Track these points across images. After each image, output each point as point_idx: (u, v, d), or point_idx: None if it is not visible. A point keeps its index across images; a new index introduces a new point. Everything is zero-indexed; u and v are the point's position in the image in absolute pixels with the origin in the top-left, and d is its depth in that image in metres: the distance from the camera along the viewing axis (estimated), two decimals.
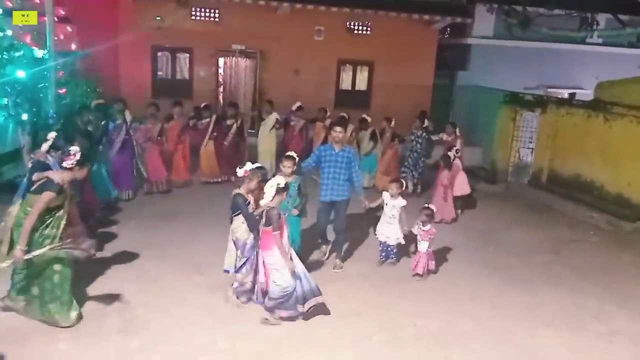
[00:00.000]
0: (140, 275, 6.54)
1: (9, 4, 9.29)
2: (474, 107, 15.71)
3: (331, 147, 7.15)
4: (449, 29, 16.87)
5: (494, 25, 16.32)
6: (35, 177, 5.14)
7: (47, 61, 9.38)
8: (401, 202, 7.29)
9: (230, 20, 14.32)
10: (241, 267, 5.88)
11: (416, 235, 7.12)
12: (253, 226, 5.76)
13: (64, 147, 5.83)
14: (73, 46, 11.05)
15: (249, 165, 5.97)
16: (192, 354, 5.00)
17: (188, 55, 14.71)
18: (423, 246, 7.01)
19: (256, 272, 5.86)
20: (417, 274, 7.02)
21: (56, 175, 5.06)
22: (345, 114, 11.81)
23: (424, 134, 11.65)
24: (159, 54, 14.62)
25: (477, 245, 8.61)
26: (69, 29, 10.99)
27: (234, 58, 15.00)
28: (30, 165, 5.88)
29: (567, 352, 5.57)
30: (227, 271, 6.10)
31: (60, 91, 9.93)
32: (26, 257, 4.97)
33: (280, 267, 5.52)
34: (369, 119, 12.03)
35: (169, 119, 10.48)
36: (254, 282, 5.92)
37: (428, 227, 7.00)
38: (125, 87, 13.70)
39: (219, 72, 14.98)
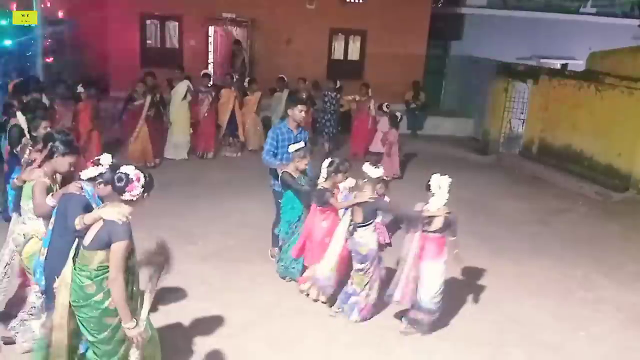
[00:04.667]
0: None
1: None
2: (466, 77, 15.66)
3: (288, 129, 6.18)
4: None
5: None
6: (78, 223, 3.60)
7: (34, 30, 9.24)
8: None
9: None
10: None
11: None
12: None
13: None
14: (60, 14, 10.87)
15: (297, 145, 5.76)
16: (185, 321, 5.06)
17: (177, 23, 14.48)
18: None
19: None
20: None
21: (113, 214, 3.49)
22: (283, 75, 11.77)
23: (337, 95, 11.73)
24: (148, 21, 14.38)
25: (467, 215, 8.60)
26: None
27: (224, 27, 14.80)
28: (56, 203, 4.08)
29: (553, 320, 5.69)
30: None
31: (48, 60, 9.81)
32: (143, 326, 3.61)
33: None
34: (286, 79, 11.71)
35: (77, 99, 8.75)
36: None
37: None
38: (114, 56, 13.53)
39: (209, 41, 14.79)
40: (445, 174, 4.98)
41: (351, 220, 5.28)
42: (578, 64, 14.99)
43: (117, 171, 3.56)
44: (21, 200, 4.34)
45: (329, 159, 5.68)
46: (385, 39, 15.03)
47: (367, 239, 5.20)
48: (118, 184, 3.52)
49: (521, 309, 5.88)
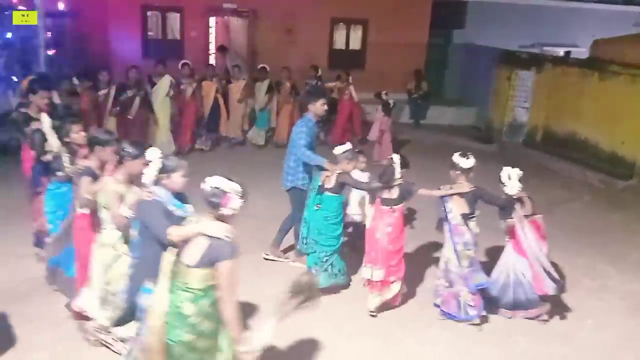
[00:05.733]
0: None
1: None
2: (469, 66, 15.59)
3: (314, 123, 6.14)
4: None
5: None
6: (172, 235, 3.35)
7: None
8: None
9: None
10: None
11: None
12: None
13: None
14: (61, 6, 10.82)
15: (344, 147, 5.62)
16: None
17: (178, 14, 14.40)
18: None
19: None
20: None
21: (219, 230, 3.25)
22: (265, 65, 11.58)
23: (319, 83, 11.72)
24: (149, 13, 14.28)
25: None
26: None
27: (225, 17, 14.72)
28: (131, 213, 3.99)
29: (560, 307, 5.69)
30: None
31: (50, 52, 9.78)
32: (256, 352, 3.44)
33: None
34: (268, 68, 11.51)
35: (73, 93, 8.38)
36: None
37: None
38: (116, 48, 13.47)
39: (210, 32, 14.71)
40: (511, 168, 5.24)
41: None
42: (581, 52, 14.90)
43: (210, 187, 3.27)
44: (100, 210, 4.21)
45: (347, 144, 5.63)
46: (386, 28, 14.93)
47: (478, 229, 5.28)
48: (212, 200, 3.27)
49: None
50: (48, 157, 5.23)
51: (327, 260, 5.62)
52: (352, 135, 11.68)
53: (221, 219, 3.31)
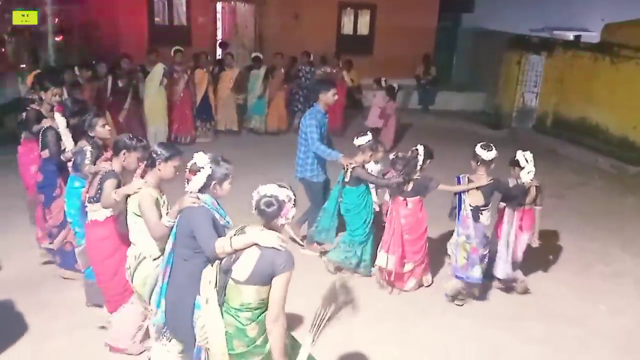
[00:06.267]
0: None
1: None
2: (478, 50, 15.45)
3: (323, 113, 6.03)
4: None
5: None
6: (220, 248, 3.06)
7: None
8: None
9: None
10: None
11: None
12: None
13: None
14: None
15: (365, 137, 5.52)
16: None
17: (185, 0, 14.30)
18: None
19: None
20: None
21: (273, 240, 2.97)
22: (259, 54, 11.53)
23: (312, 69, 11.64)
24: None
25: None
26: None
27: (232, 3, 14.61)
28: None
29: (574, 292, 5.70)
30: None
31: (58, 38, 9.74)
32: None
33: None
34: (262, 56, 11.47)
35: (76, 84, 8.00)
36: None
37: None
38: (122, 34, 13.41)
39: (217, 17, 14.62)
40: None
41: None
42: (591, 36, 14.77)
43: (263, 196, 3.00)
44: (127, 216, 3.82)
45: (368, 134, 5.56)
46: (395, 12, 14.79)
47: (490, 220, 5.25)
48: (268, 210, 2.98)
49: (540, 283, 5.88)
50: (68, 155, 5.01)
51: (355, 251, 5.64)
52: (345, 121, 11.64)
53: (272, 227, 3.03)
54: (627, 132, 10.45)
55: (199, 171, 3.32)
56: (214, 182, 3.34)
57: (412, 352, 4.64)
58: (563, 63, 12.04)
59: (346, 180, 5.56)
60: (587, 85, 11.33)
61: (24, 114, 5.86)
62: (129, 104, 9.10)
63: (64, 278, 5.35)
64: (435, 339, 4.85)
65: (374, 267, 5.68)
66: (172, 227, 3.44)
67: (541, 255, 6.46)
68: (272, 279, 2.91)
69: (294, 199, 3.04)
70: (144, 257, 3.75)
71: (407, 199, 5.33)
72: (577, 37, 13.08)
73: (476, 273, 5.20)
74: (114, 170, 4.08)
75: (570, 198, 8.57)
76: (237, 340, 2.99)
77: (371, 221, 5.66)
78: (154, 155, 3.67)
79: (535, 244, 5.53)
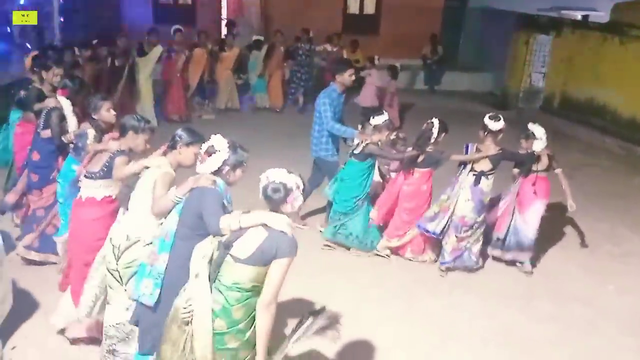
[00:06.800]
0: None
1: None
2: (485, 30, 15.29)
3: (338, 93, 5.96)
4: None
5: None
6: (226, 227, 2.97)
7: None
8: None
9: None
10: None
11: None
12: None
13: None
14: None
15: (382, 117, 5.49)
16: None
17: None
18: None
19: None
20: None
21: (282, 222, 2.91)
22: (261, 37, 11.56)
23: (312, 47, 11.57)
24: None
25: None
26: None
27: None
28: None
29: (584, 272, 5.72)
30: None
31: (61, 19, 9.68)
32: None
33: None
34: (263, 39, 11.53)
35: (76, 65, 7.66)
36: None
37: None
38: (127, 13, 13.33)
39: None
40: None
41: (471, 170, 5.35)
42: (599, 15, 14.54)
43: (272, 182, 2.93)
44: (135, 191, 3.65)
45: (384, 113, 5.55)
46: None
47: (490, 188, 5.40)
48: (275, 196, 2.92)
49: (549, 263, 5.91)
50: (70, 137, 4.86)
51: (339, 219, 5.72)
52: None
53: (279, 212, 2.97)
54: (635, 113, 10.37)
55: (215, 153, 3.26)
56: (227, 168, 3.29)
57: (421, 330, 4.68)
58: (571, 43, 11.93)
59: (356, 152, 5.58)
60: (596, 66, 11.23)
61: (22, 92, 5.78)
62: (122, 83, 8.95)
63: (25, 259, 5.15)
64: (445, 317, 4.88)
65: (368, 244, 5.75)
66: (175, 205, 3.34)
67: (549, 235, 6.49)
68: (270, 262, 2.85)
69: (302, 187, 2.98)
70: (137, 240, 3.59)
71: (416, 169, 5.45)
72: (585, 17, 12.88)
73: (434, 228, 5.38)
74: (124, 150, 4.00)
75: (577, 178, 8.50)
76: (219, 319, 2.90)
77: (362, 199, 5.68)
78: (176, 138, 3.58)
79: (572, 207, 5.62)
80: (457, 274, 5.55)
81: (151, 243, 3.50)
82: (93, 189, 4.09)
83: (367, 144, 5.49)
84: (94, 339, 4.14)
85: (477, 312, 4.98)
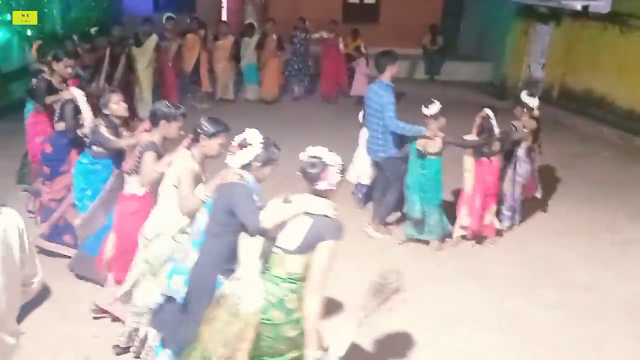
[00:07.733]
0: None
1: None
2: (485, 20, 15.28)
3: (391, 84, 5.68)
4: None
5: None
6: (267, 221, 2.94)
7: None
8: None
9: None
10: None
11: None
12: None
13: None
14: None
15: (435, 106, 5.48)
16: None
17: None
18: None
19: None
20: None
21: (323, 206, 2.90)
22: (253, 22, 11.45)
23: (307, 35, 11.48)
24: None
25: None
26: None
27: None
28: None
29: (584, 261, 5.80)
30: None
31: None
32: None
33: None
34: (255, 24, 11.41)
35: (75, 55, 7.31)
36: None
37: None
38: (127, 2, 13.26)
39: None
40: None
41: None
42: (599, 5, 14.54)
43: (310, 156, 2.91)
44: (161, 186, 3.67)
45: (436, 102, 5.51)
46: None
47: None
48: (310, 171, 2.88)
49: (551, 251, 5.99)
50: (85, 130, 4.82)
51: (427, 215, 5.71)
52: (338, 89, 11.63)
53: (319, 194, 2.91)
54: (635, 104, 10.42)
55: (247, 147, 3.20)
56: (258, 164, 3.21)
57: (427, 317, 4.75)
58: (571, 33, 11.95)
59: (432, 151, 5.54)
60: (595, 56, 11.26)
61: (33, 83, 5.74)
62: (120, 73, 8.69)
63: (40, 248, 5.13)
64: (450, 304, 4.96)
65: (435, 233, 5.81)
66: (205, 203, 3.32)
67: (550, 224, 6.58)
68: (317, 246, 2.82)
69: (342, 166, 2.94)
70: (162, 233, 3.61)
71: (491, 158, 5.75)
72: (585, 7, 12.89)
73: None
74: (154, 142, 3.88)
75: (577, 168, 8.62)
76: (277, 311, 2.91)
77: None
78: (199, 129, 3.50)
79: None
80: (461, 261, 5.62)
81: (178, 237, 3.55)
82: (133, 186, 4.11)
83: (443, 138, 5.52)
84: (116, 319, 4.24)
85: (482, 299, 5.06)
